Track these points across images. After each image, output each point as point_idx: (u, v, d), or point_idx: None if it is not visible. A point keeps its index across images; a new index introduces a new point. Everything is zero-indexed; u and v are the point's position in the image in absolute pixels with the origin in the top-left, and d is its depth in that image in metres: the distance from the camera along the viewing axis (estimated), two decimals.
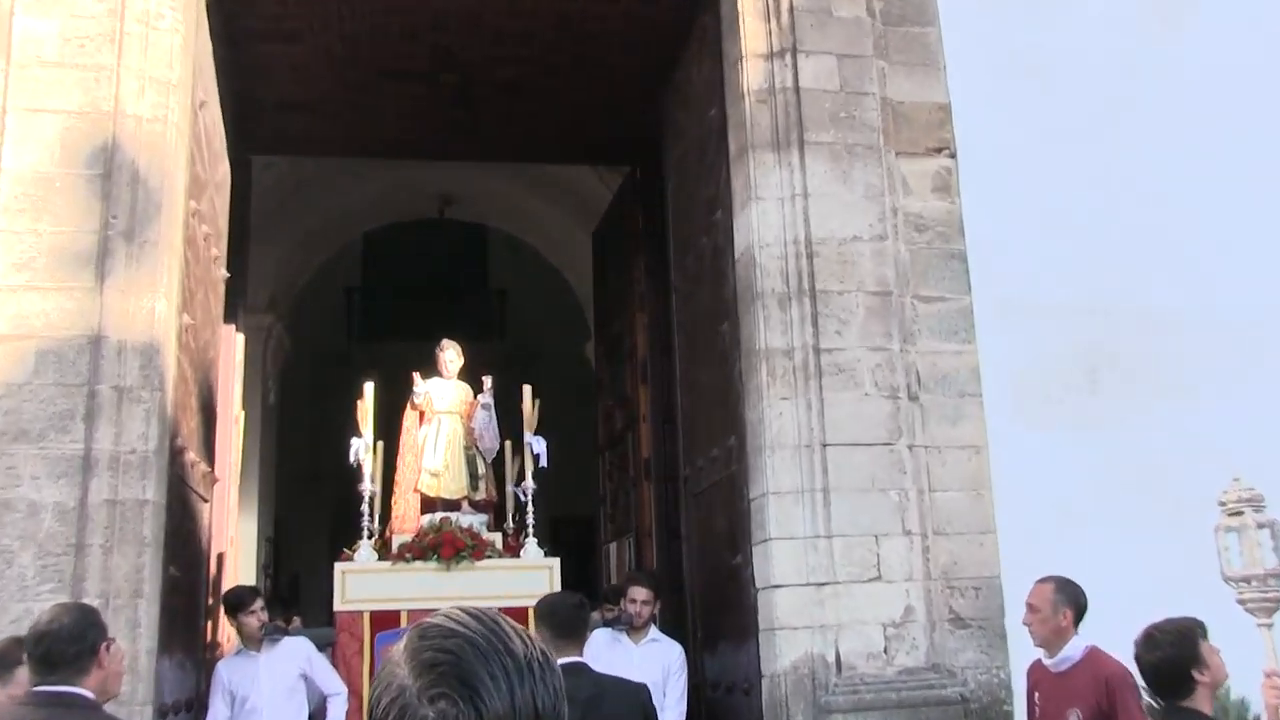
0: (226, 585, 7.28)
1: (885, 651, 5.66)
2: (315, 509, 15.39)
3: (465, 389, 7.73)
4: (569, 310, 14.12)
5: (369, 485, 7.09)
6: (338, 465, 16.35)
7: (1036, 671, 4.48)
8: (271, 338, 12.11)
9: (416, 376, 7.52)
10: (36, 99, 5.53)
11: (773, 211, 6.16)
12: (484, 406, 7.54)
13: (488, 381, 7.55)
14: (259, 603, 6.15)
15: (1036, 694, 4.42)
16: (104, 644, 3.27)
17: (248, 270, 8.65)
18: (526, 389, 7.53)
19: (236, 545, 8.46)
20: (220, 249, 7.32)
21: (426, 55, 7.83)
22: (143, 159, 5.57)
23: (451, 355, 7.75)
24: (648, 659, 5.87)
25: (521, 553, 7.10)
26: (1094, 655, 4.30)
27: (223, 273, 7.43)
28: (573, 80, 8.17)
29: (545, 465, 7.36)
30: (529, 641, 1.25)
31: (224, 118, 7.27)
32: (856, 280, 6.08)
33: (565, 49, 7.78)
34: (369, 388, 7.30)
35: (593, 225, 10.64)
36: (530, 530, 7.13)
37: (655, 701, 5.50)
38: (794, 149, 6.20)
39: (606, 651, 5.76)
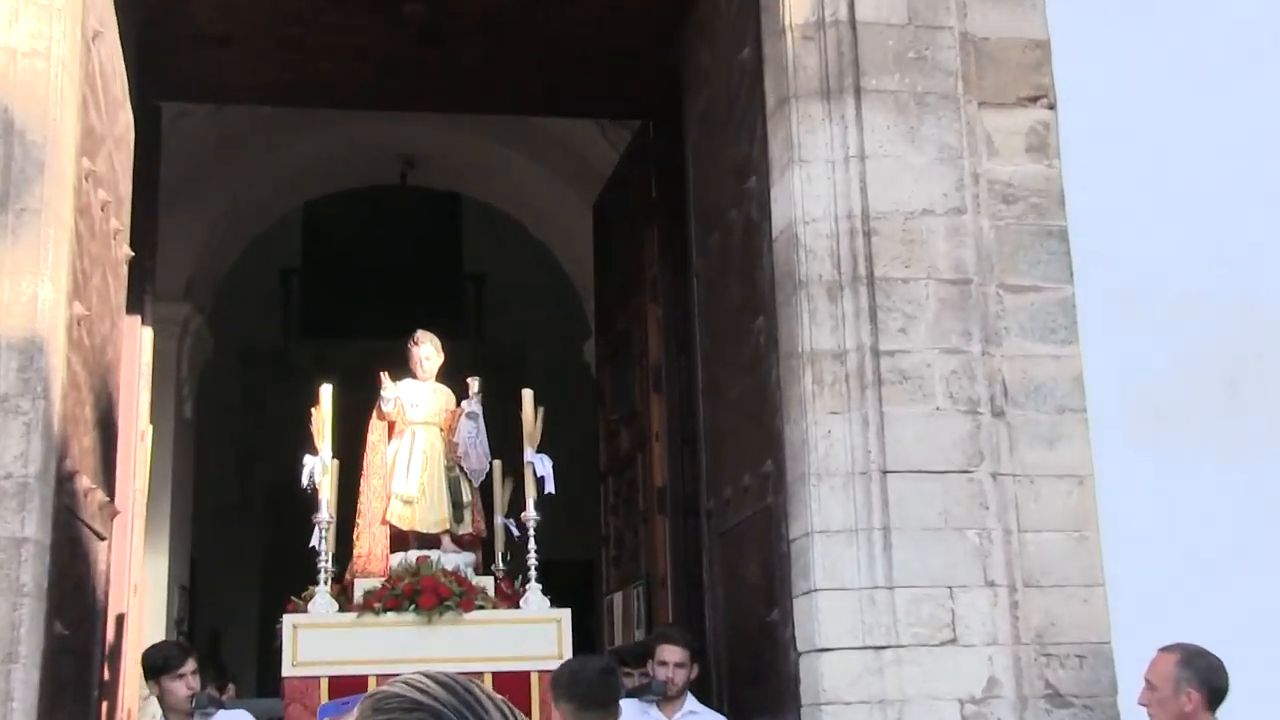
0: (129, 645, 7.25)
1: None
2: (243, 549, 15.41)
3: (446, 394, 7.72)
4: (563, 301, 14.10)
5: (326, 515, 7.03)
6: (273, 493, 16.50)
7: None
8: (189, 334, 12.04)
9: (385, 378, 7.50)
10: None
11: (820, 178, 6.16)
12: (469, 415, 7.51)
13: (474, 384, 7.53)
14: (190, 664, 6.08)
15: None
16: None
17: (158, 249, 8.58)
18: (527, 394, 7.51)
19: (142, 595, 8.40)
20: (122, 221, 7.26)
21: None
22: (18, 104, 5.52)
23: (428, 350, 7.71)
24: None
25: (522, 602, 7.08)
26: None
27: (126, 251, 7.38)
28: (570, 12, 8.13)
29: (552, 490, 7.39)
30: (511, 715, 1.20)
31: (125, 54, 7.22)
32: (926, 264, 6.08)
33: None
34: (327, 392, 7.26)
35: (594, 194, 10.65)
36: (533, 573, 7.13)
37: None
38: (848, 98, 6.20)
39: None
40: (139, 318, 8.10)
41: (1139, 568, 5.89)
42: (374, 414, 7.59)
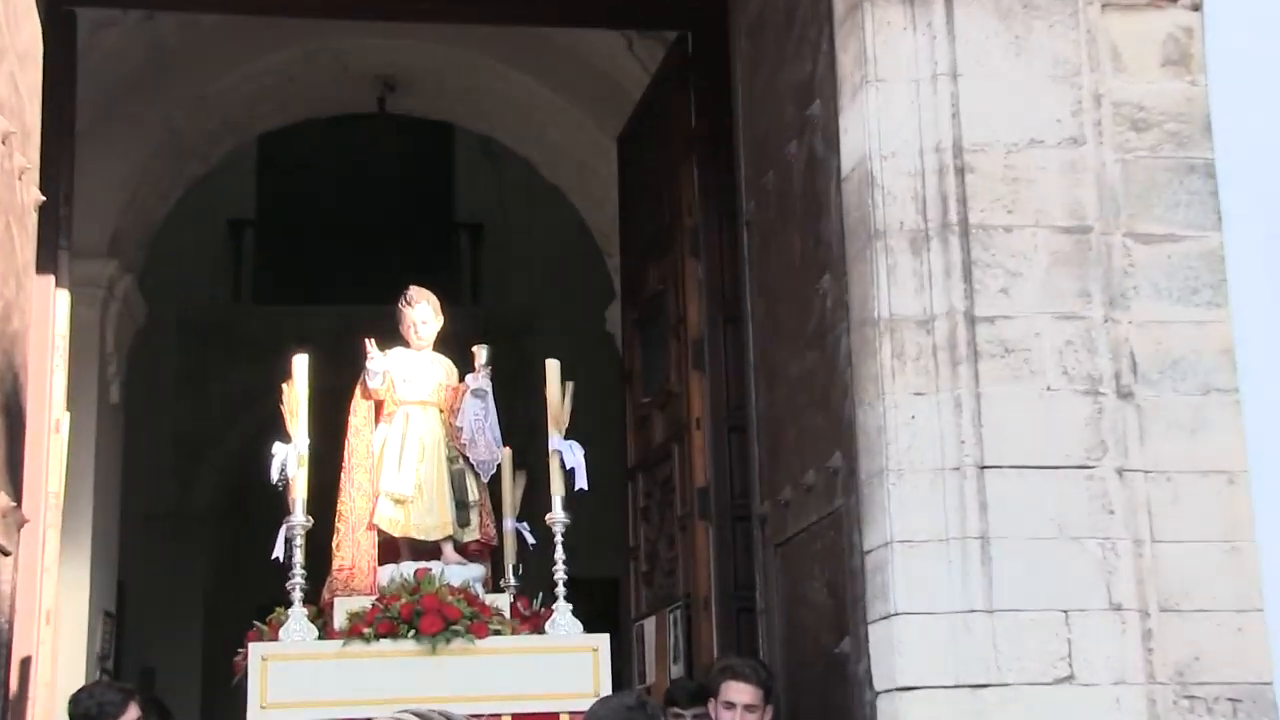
0: (39, 687, 7.30)
1: None
2: (184, 565, 15.54)
3: (446, 366, 7.66)
4: (581, 257, 14.09)
5: (302, 518, 6.94)
6: (221, 495, 16.59)
7: None
8: (115, 298, 12.08)
9: (370, 345, 7.39)
10: None
11: (902, 101, 6.19)
12: (476, 393, 7.42)
13: (482, 353, 7.48)
14: (133, 711, 6.09)
15: None
16: None
17: (75, 192, 8.63)
18: (552, 364, 7.45)
19: (56, 625, 8.46)
20: (30, 157, 7.31)
21: None
22: None
23: (424, 311, 7.62)
24: None
25: (549, 626, 7.02)
26: None
27: (35, 195, 7.44)
28: None
29: (584, 486, 7.34)
30: None
31: None
32: (1034, 209, 6.10)
33: None
34: (302, 363, 7.19)
35: (620, 125, 10.71)
36: (561, 590, 7.07)
37: None
38: (936, 1, 6.21)
39: None
40: (51, 278, 8.14)
41: None
42: (357, 391, 7.52)
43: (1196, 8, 6.31)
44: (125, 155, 11.58)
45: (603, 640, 6.96)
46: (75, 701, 6.34)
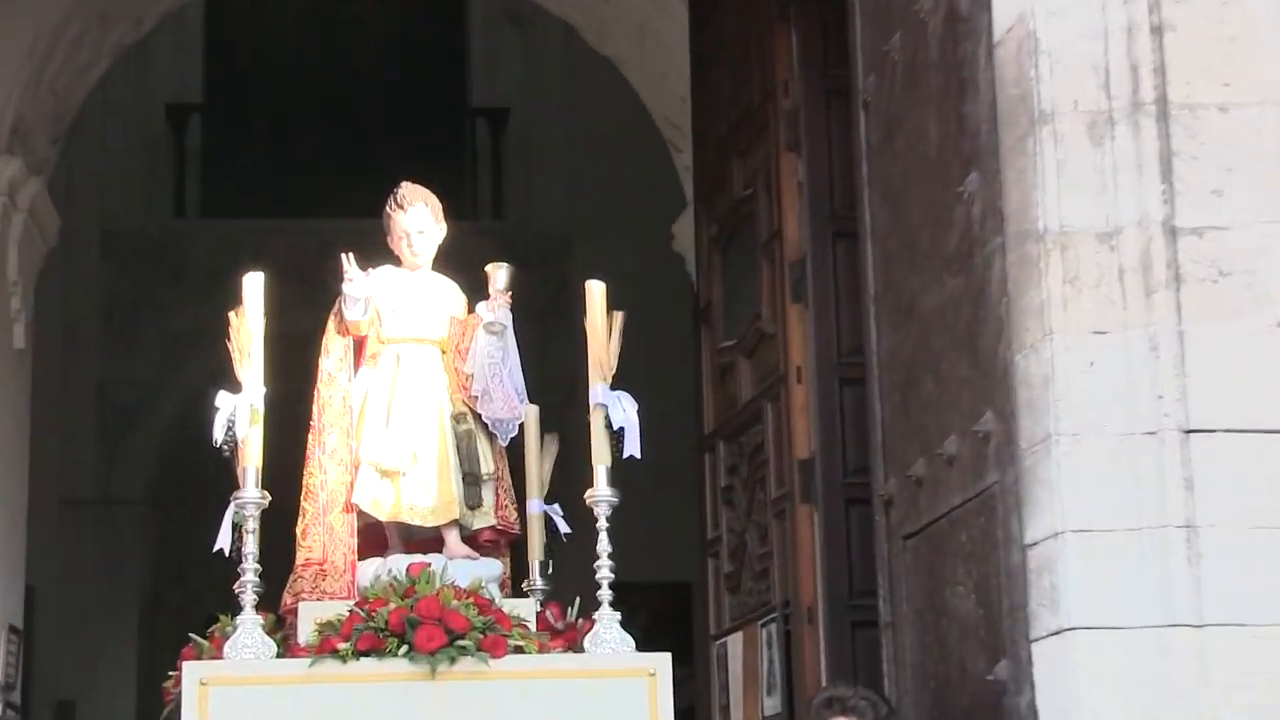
0: None
1: None
2: (112, 562, 15.62)
3: (452, 293, 7.65)
4: (639, 152, 14.07)
5: (255, 492, 6.88)
6: (161, 467, 16.64)
7: None
8: (17, 209, 12.25)
9: (347, 261, 7.33)
10: None
11: None
12: (491, 329, 7.39)
13: (501, 273, 7.49)
14: None
15: None
16: None
17: None
18: (594, 289, 7.38)
19: None
20: None
21: None
22: None
23: (420, 216, 7.59)
24: None
25: (589, 641, 6.91)
26: None
27: None
28: None
29: (637, 453, 7.24)
30: None
31: None
32: (1260, 81, 6.12)
33: None
34: (255, 282, 7.12)
35: None
36: (606, 593, 6.98)
37: None
38: None
39: None
40: None
41: None
42: (330, 325, 7.48)
43: None
44: (28, 13, 11.63)
45: (662, 661, 6.85)
46: None
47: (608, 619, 6.88)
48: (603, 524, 6.97)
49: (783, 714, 8.81)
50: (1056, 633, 5.88)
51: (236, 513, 6.80)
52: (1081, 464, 5.90)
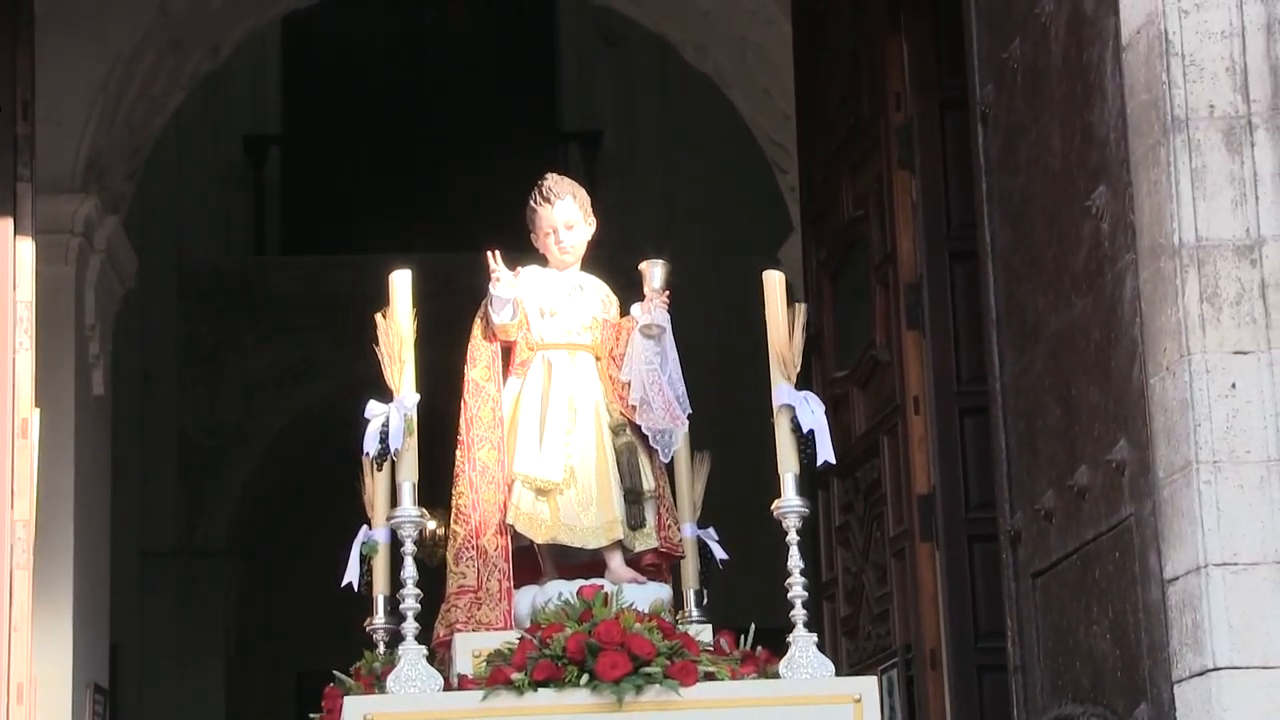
0: None
1: None
2: (198, 618, 15.69)
3: (604, 294, 7.52)
4: (742, 174, 14.10)
5: (412, 510, 6.73)
6: (248, 512, 16.70)
7: None
8: (95, 249, 12.30)
9: (493, 259, 7.14)
10: None
11: None
12: (647, 331, 7.21)
13: (658, 271, 7.30)
14: None
15: None
16: None
17: (35, 102, 8.76)
18: (772, 279, 7.22)
19: (31, 702, 8.58)
20: None
21: None
22: None
23: (569, 211, 7.41)
24: None
25: (784, 667, 6.73)
26: None
27: None
28: None
29: (831, 458, 7.17)
30: None
31: None
32: None
33: None
34: (404, 280, 6.97)
35: None
36: (800, 613, 6.80)
37: None
38: None
39: None
40: (9, 221, 8.33)
41: None
42: (475, 331, 7.33)
43: None
44: (101, 42, 11.75)
45: (869, 685, 6.81)
46: None
47: (803, 640, 6.73)
48: (793, 537, 6.84)
49: None
50: (1200, 673, 5.85)
51: (365, 544, 6.81)
52: (1225, 493, 5.88)
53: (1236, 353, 5.97)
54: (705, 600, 7.39)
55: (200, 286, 16.46)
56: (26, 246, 8.43)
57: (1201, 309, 6.00)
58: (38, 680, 9.44)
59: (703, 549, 7.43)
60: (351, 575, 6.85)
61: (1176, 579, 6.02)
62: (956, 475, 8.54)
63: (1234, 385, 5.95)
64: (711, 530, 7.39)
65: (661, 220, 16.50)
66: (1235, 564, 5.84)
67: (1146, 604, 6.27)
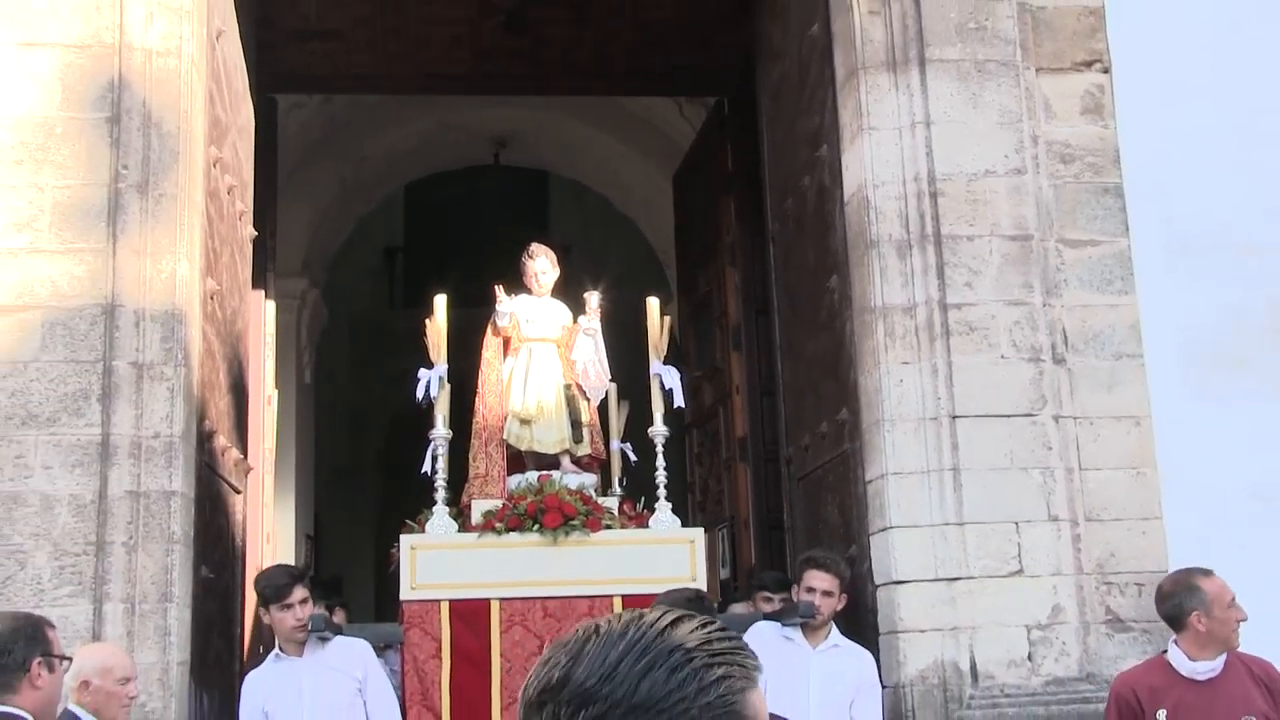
0: None
1: (1030, 659, 5.64)
2: (357, 505, 15.65)
3: (563, 310, 7.04)
4: (646, 269, 14.09)
5: (443, 431, 6.35)
6: (380, 456, 16.58)
7: (1159, 682, 4.49)
8: (305, 306, 12.26)
9: (499, 291, 6.82)
10: (29, 31, 5.59)
11: (888, 144, 6.14)
12: (587, 333, 6.88)
13: (593, 298, 6.88)
14: (299, 593, 5.31)
15: (1162, 710, 4.42)
16: (38, 660, 3.30)
17: (277, 228, 8.78)
18: (651, 302, 6.91)
19: (275, 543, 8.62)
20: (246, 203, 7.41)
21: None
22: (155, 99, 5.64)
23: (543, 264, 6.94)
24: (830, 670, 5.52)
25: (652, 522, 6.37)
26: (1235, 654, 4.47)
27: (250, 231, 7.53)
28: None
29: (682, 404, 6.82)
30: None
31: (245, 51, 7.36)
32: (989, 223, 6.03)
33: None
34: (441, 302, 6.58)
35: (673, 167, 10.67)
36: (662, 491, 6.41)
37: None
38: (913, 69, 6.16)
39: (773, 654, 5.33)
40: (263, 292, 8.27)
41: (1194, 502, 5.85)
42: (488, 330, 6.95)
43: (1106, 70, 6.26)
44: (311, 201, 11.71)
45: (698, 534, 6.40)
46: (257, 582, 5.71)
47: (664, 506, 6.40)
48: (660, 448, 6.46)
49: (730, 580, 8.69)
50: (883, 529, 5.88)
51: (432, 443, 6.35)
52: (896, 437, 5.85)
53: (903, 364, 5.92)
54: (624, 482, 7.01)
55: (359, 326, 16.35)
56: (271, 305, 8.44)
57: (885, 340, 5.95)
58: (278, 533, 9.47)
59: (622, 455, 7.10)
60: (426, 467, 6.43)
61: (871, 481, 6.01)
62: (759, 427, 8.38)
63: (901, 380, 5.91)
64: (628, 444, 7.05)
65: (607, 295, 16.41)
66: (900, 473, 5.82)
67: (856, 495, 6.27)
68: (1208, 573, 4.51)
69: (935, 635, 5.68)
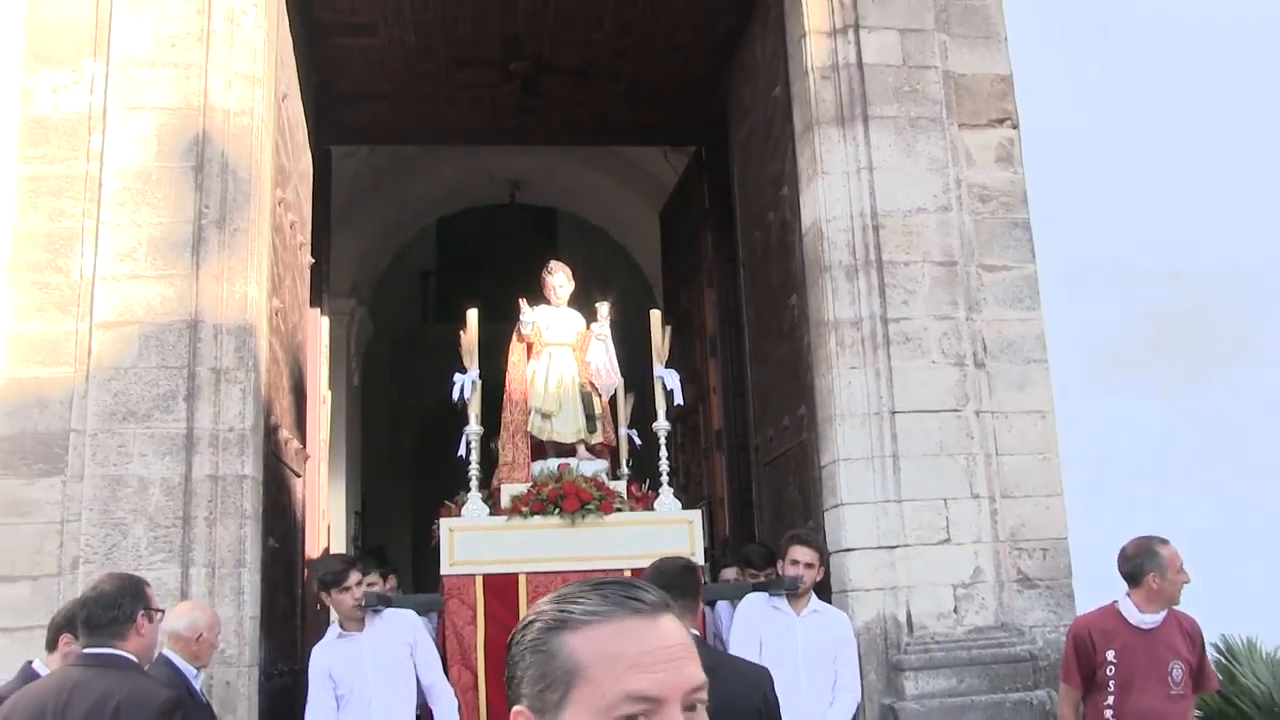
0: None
1: (955, 611, 5.69)
2: (396, 489, 15.69)
3: (577, 318, 6.81)
4: (638, 289, 14.16)
5: (475, 427, 6.18)
6: (415, 447, 16.53)
7: (1110, 627, 4.51)
8: (354, 321, 12.30)
9: (523, 303, 6.60)
10: (134, 97, 5.75)
11: (838, 186, 6.15)
12: (599, 338, 6.68)
13: (604, 308, 6.67)
14: (354, 577, 5.23)
15: (1110, 650, 4.46)
16: (141, 612, 3.44)
17: (330, 256, 8.81)
18: (654, 314, 6.71)
19: (329, 519, 8.63)
20: (305, 236, 7.50)
21: (496, 42, 7.99)
22: (231, 150, 5.77)
23: (561, 279, 6.74)
24: (813, 632, 5.32)
25: (656, 505, 6.20)
26: (1172, 610, 4.51)
27: (308, 259, 7.62)
28: (639, 62, 8.28)
29: (681, 402, 6.64)
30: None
31: (305, 109, 7.46)
32: (922, 251, 6.06)
33: (632, 30, 7.88)
34: (473, 316, 6.38)
35: (660, 205, 10.66)
36: (665, 478, 6.26)
37: (824, 679, 5.17)
38: (858, 124, 6.19)
39: (763, 622, 5.29)
40: (319, 310, 8.34)
41: (1088, 481, 5.93)
42: (513, 337, 6.72)
43: (1015, 126, 6.36)
44: (359, 233, 11.75)
45: (696, 515, 6.23)
46: (316, 569, 5.60)
47: (666, 491, 6.27)
48: (663, 441, 6.33)
49: (709, 549, 8.24)
50: (835, 506, 5.90)
51: (466, 437, 6.21)
52: (845, 429, 5.82)
53: (851, 368, 5.93)
54: (631, 465, 6.85)
55: (399, 339, 16.34)
56: (325, 321, 8.47)
57: (836, 349, 5.97)
58: (331, 510, 9.51)
59: (629, 441, 6.91)
60: (461, 452, 6.26)
61: (825, 466, 6.02)
62: (732, 421, 8.37)
63: (850, 382, 5.93)
64: (634, 431, 6.84)
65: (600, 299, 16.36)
66: (849, 459, 5.84)
67: (812, 477, 6.25)
68: (1165, 541, 4.46)
69: (878, 593, 5.72)
